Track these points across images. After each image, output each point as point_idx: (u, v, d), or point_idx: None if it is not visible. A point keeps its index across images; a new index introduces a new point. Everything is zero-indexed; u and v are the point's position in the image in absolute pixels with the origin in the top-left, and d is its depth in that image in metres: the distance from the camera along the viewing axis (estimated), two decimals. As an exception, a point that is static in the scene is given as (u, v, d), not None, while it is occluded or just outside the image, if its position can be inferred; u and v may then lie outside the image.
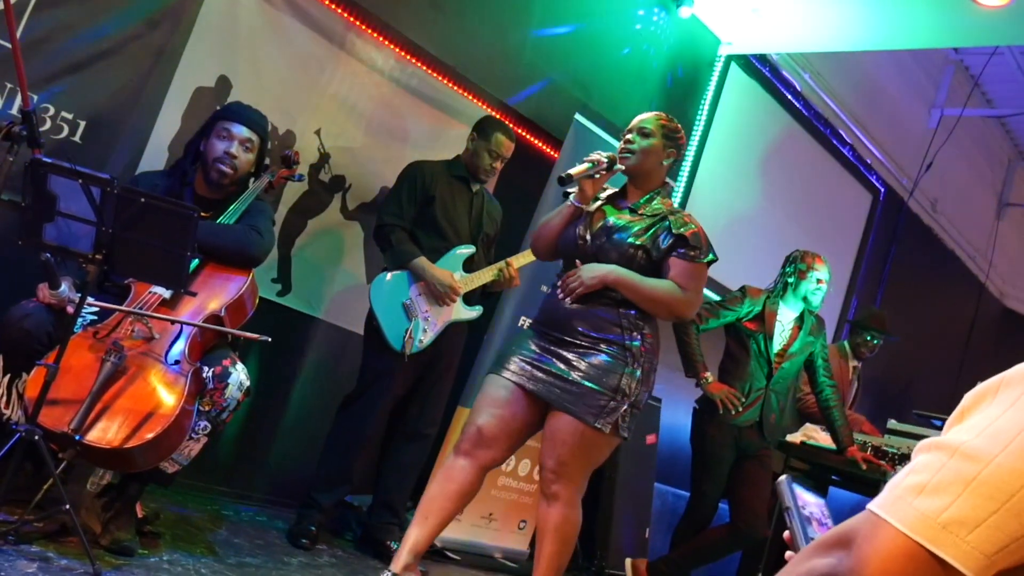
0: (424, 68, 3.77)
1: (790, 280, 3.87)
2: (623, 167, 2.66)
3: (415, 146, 3.76)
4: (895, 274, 7.03)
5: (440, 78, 3.84)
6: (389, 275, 3.28)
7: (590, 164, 2.61)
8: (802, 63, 5.73)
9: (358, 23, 3.54)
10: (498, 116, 3.76)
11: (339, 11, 3.48)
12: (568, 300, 2.57)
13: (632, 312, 2.56)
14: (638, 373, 2.54)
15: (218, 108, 2.83)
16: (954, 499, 0.76)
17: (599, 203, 2.70)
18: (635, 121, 2.73)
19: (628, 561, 3.97)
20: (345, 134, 3.61)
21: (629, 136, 2.70)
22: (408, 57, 3.72)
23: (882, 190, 6.74)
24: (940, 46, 6.05)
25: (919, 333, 7.51)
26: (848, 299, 6.56)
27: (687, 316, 2.73)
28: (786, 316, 3.89)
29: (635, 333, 2.55)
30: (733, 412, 3.75)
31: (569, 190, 2.68)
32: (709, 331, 3.93)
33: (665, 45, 4.80)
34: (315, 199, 3.58)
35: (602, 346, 2.54)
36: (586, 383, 2.49)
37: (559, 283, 2.64)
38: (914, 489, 0.78)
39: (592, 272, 2.56)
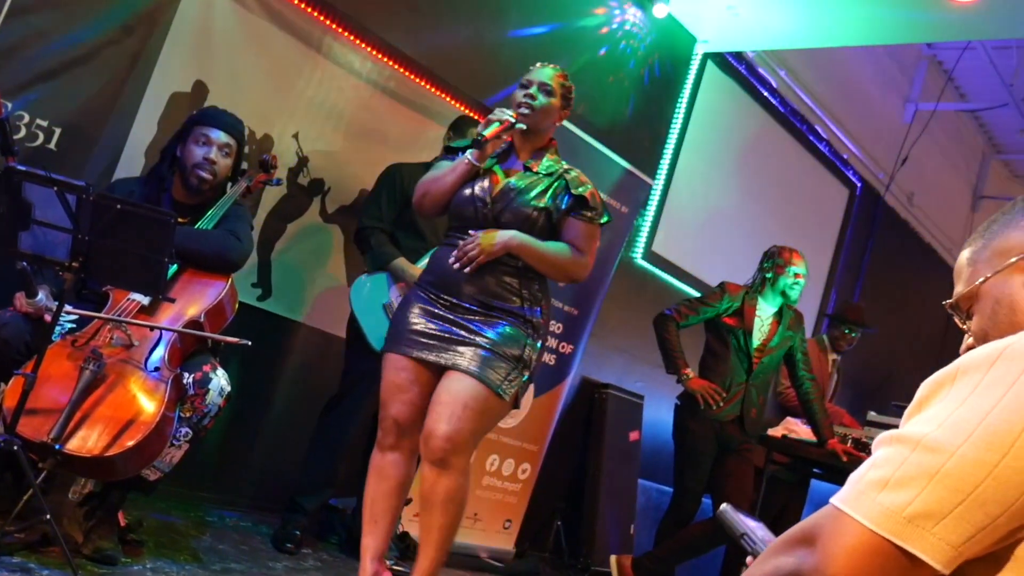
0: (401, 70, 3.77)
1: (768, 275, 3.91)
2: (524, 125, 2.53)
3: (393, 148, 3.76)
4: (873, 267, 7.10)
5: (418, 80, 3.84)
6: (369, 277, 3.28)
7: (497, 123, 2.48)
8: (778, 60, 5.78)
9: (335, 26, 3.54)
10: (476, 117, 3.77)
11: (315, 14, 3.48)
12: (468, 269, 2.43)
13: (535, 285, 2.49)
14: (539, 345, 2.48)
15: (194, 113, 2.82)
16: (919, 492, 0.76)
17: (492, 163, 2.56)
18: (536, 75, 2.58)
19: (613, 558, 3.99)
20: (323, 137, 3.61)
21: (532, 91, 2.54)
22: (385, 60, 3.72)
23: (859, 184, 6.81)
24: (913, 41, 6.12)
25: (897, 325, 7.59)
26: (827, 293, 6.62)
27: (582, 279, 2.64)
28: (765, 311, 3.92)
29: (535, 306, 2.48)
30: (714, 407, 3.78)
31: (471, 152, 2.52)
32: (689, 327, 3.96)
33: (642, 44, 4.82)
34: (294, 203, 3.58)
35: (503, 316, 2.43)
36: (490, 350, 2.39)
37: (457, 251, 2.47)
38: (877, 484, 0.78)
39: (494, 239, 2.44)
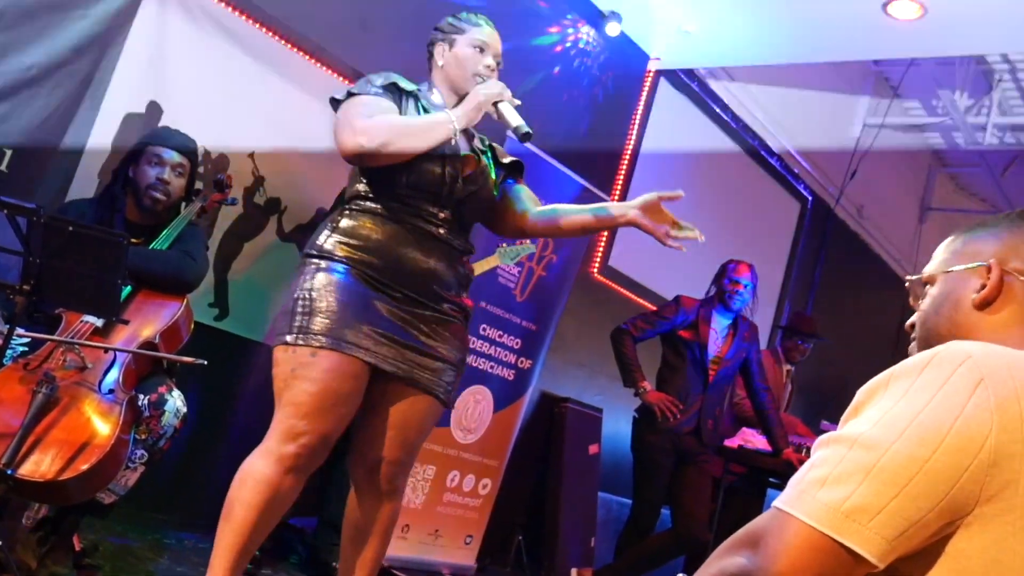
0: (357, 89, 3.79)
1: (720, 288, 3.99)
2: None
3: (351, 167, 3.77)
4: (825, 279, 7.25)
5: (374, 99, 3.86)
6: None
7: (510, 104, 2.19)
8: (729, 77, 5.90)
9: (290, 45, 3.56)
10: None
11: (270, 34, 3.49)
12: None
13: (469, 263, 2.29)
14: (467, 335, 2.27)
15: (145, 133, 2.81)
16: (855, 487, 0.79)
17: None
18: (494, 42, 2.30)
19: (574, 571, 4.03)
20: (280, 156, 3.61)
21: (493, 64, 2.28)
22: (341, 79, 3.74)
23: (809, 198, 6.95)
24: (858, 58, 6.28)
25: (850, 335, 7.74)
26: (780, 305, 6.74)
27: None
28: (720, 324, 4.00)
29: (466, 291, 2.24)
30: (671, 420, 3.84)
31: (453, 116, 2.13)
32: (646, 341, 4.02)
33: (595, 62, 4.90)
34: (251, 222, 3.57)
35: (449, 309, 2.15)
36: (443, 358, 2.12)
37: (434, 221, 2.12)
38: (816, 482, 0.82)
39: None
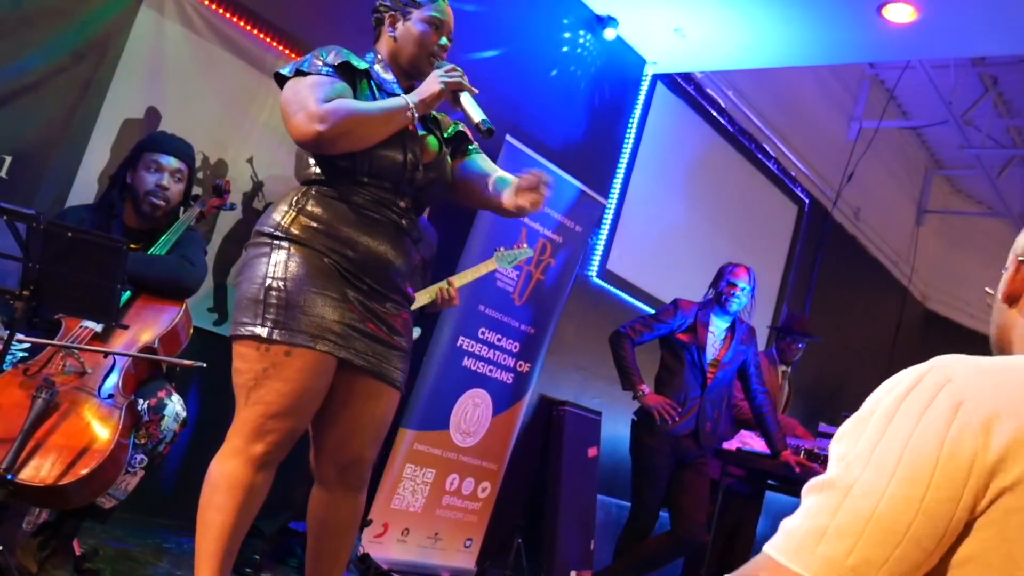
0: (355, 94, 3.81)
1: (718, 291, 4.01)
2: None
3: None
4: (822, 281, 7.27)
5: (371, 104, 3.88)
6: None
7: (469, 95, 2.11)
8: (725, 80, 5.92)
9: (288, 51, 3.57)
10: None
11: (268, 40, 3.51)
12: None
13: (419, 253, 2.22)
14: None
15: (142, 139, 2.82)
16: (856, 541, 0.77)
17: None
18: (450, 19, 2.22)
19: (573, 573, 4.03)
20: (278, 162, 3.63)
21: (447, 44, 2.20)
22: (339, 84, 3.76)
23: (807, 201, 6.97)
24: (854, 61, 6.30)
25: (847, 337, 7.76)
26: (778, 307, 6.75)
27: None
28: (718, 327, 4.01)
29: (413, 280, 2.21)
30: (670, 422, 3.85)
31: (412, 101, 2.04)
32: (644, 344, 4.03)
33: (592, 66, 4.92)
34: (249, 227, 3.56)
35: (401, 299, 2.11)
36: (400, 347, 2.09)
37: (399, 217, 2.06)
38: (815, 535, 0.79)
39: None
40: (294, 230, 1.99)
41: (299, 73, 2.03)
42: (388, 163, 2.03)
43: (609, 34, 4.85)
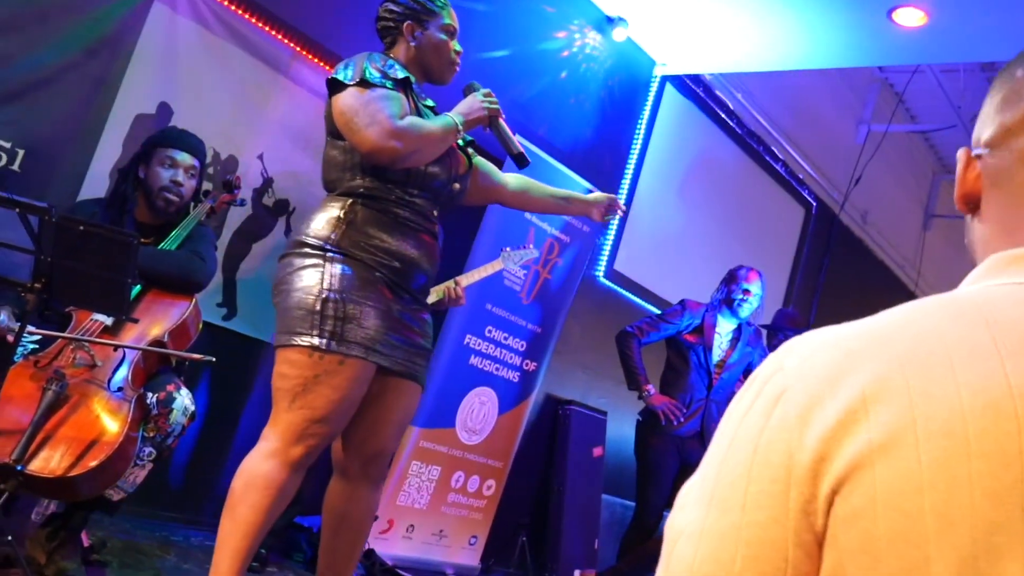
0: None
1: (726, 293, 4.01)
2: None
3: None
4: (829, 284, 7.26)
5: (381, 102, 3.89)
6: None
7: (504, 124, 2.28)
8: (734, 83, 5.92)
9: (298, 48, 3.59)
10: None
11: (279, 36, 3.52)
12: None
13: None
14: None
15: (154, 133, 2.83)
16: None
17: None
18: (457, 25, 2.35)
19: (577, 572, 4.04)
20: (288, 159, 3.64)
21: (460, 50, 2.33)
22: (349, 81, 3.77)
23: (814, 204, 6.97)
24: (863, 64, 6.29)
25: (854, 341, 7.74)
26: (790, 310, 6.75)
27: None
28: (724, 328, 4.01)
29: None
30: (675, 423, 3.86)
31: (459, 122, 2.18)
32: (651, 344, 4.04)
33: (601, 67, 4.92)
34: (259, 223, 3.60)
35: (424, 301, 2.24)
36: (426, 348, 2.22)
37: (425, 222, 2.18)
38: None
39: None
40: (344, 243, 2.06)
41: (364, 83, 2.08)
42: (433, 178, 2.16)
43: (619, 35, 4.86)
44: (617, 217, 2.46)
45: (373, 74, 2.10)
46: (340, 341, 1.98)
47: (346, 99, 2.08)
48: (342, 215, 2.10)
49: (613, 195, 2.46)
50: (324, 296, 2.02)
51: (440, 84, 2.30)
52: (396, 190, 2.12)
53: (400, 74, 2.17)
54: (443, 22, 2.27)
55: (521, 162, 2.21)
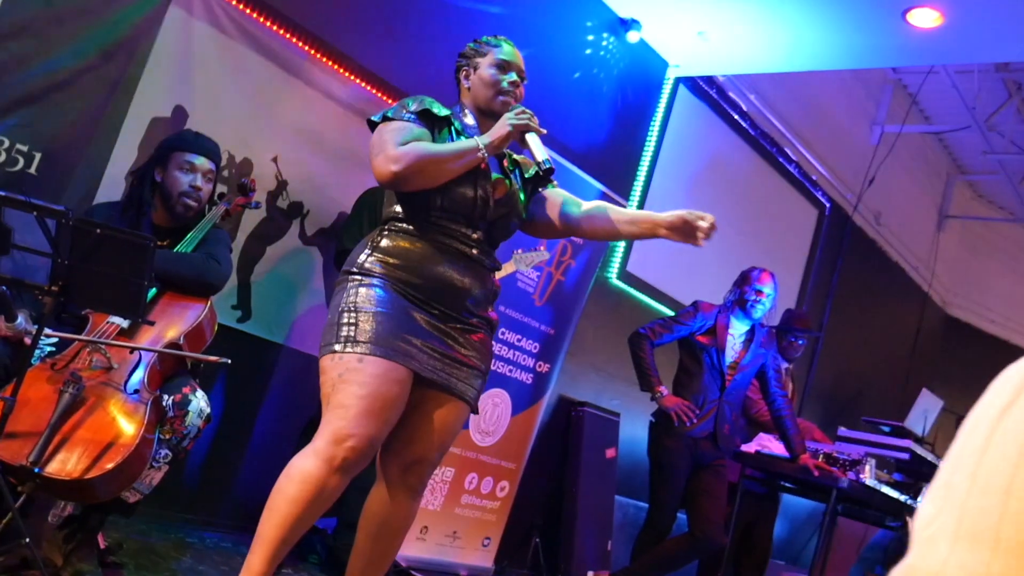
0: (380, 94, 3.83)
1: (739, 295, 4.00)
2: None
3: (371, 172, 3.80)
4: (842, 285, 7.23)
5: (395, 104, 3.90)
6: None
7: (536, 135, 2.27)
8: (748, 84, 5.90)
9: (313, 51, 3.59)
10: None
11: (294, 40, 3.53)
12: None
13: (496, 280, 2.36)
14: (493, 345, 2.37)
15: (170, 137, 2.84)
16: None
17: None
18: (515, 59, 2.39)
19: (590, 574, 4.04)
20: (302, 161, 3.65)
21: (518, 79, 2.38)
22: (363, 84, 3.78)
23: (827, 205, 6.94)
24: (877, 66, 6.27)
25: (867, 342, 7.71)
26: (796, 309, 6.73)
27: None
28: (737, 329, 4.00)
29: (492, 306, 2.34)
30: (688, 424, 3.85)
31: (482, 143, 2.21)
32: (663, 346, 4.03)
33: (615, 69, 4.92)
34: (274, 225, 3.61)
35: (477, 322, 2.26)
36: (474, 366, 2.23)
37: (468, 243, 2.22)
38: None
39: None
40: (367, 265, 2.18)
41: (385, 119, 2.24)
42: (460, 198, 2.20)
43: (632, 37, 4.85)
44: (705, 236, 2.23)
45: (395, 111, 2.25)
46: (354, 342, 2.07)
47: (372, 137, 2.25)
48: (371, 242, 2.23)
49: (682, 214, 2.24)
50: (341, 310, 2.14)
51: (497, 118, 2.32)
52: (423, 214, 2.21)
53: (433, 108, 2.29)
54: (495, 58, 2.36)
55: (545, 172, 2.28)
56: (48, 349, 2.44)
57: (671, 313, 4.65)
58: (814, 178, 6.75)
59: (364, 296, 2.13)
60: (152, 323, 2.49)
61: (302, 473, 2.01)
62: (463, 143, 2.21)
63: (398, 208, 2.25)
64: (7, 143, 2.82)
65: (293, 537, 2.02)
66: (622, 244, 5.20)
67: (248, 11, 3.39)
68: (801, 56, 4.87)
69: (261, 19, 3.43)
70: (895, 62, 5.73)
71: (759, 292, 3.94)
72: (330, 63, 3.66)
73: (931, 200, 8.40)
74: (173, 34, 3.18)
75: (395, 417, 2.11)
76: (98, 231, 2.16)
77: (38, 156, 2.90)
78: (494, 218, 2.26)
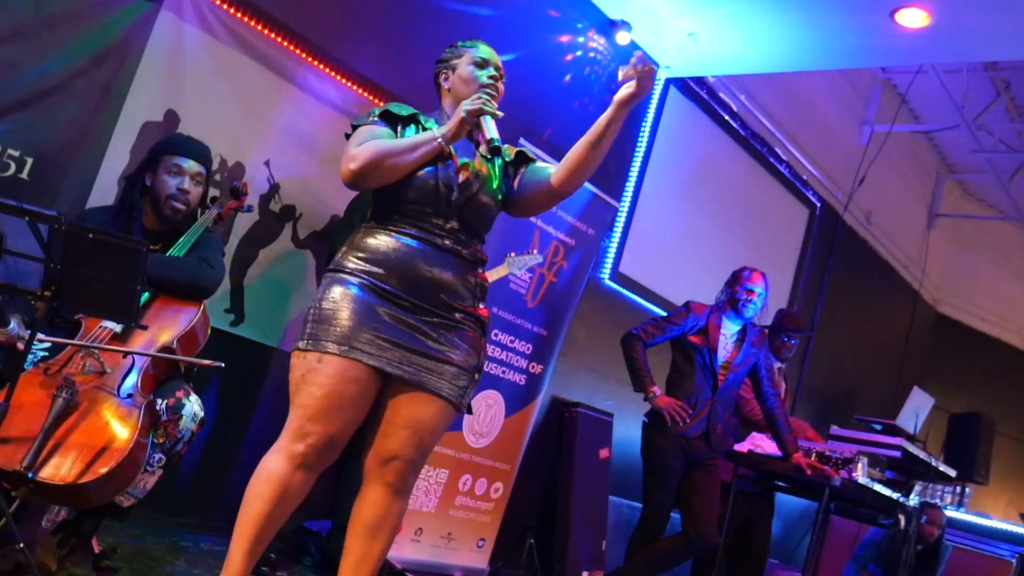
0: (371, 98, 3.84)
1: (730, 294, 4.02)
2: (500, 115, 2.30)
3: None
4: (834, 284, 7.26)
5: (386, 107, 3.91)
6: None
7: (492, 119, 2.24)
8: (738, 85, 5.92)
9: (305, 55, 3.60)
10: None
11: (285, 43, 3.54)
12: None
13: (482, 271, 2.33)
14: (486, 343, 2.34)
15: (160, 141, 2.85)
16: None
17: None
18: (492, 57, 2.40)
19: (585, 574, 4.04)
20: (294, 164, 3.66)
21: (497, 75, 2.38)
22: (355, 87, 3.79)
23: (818, 204, 6.97)
24: (867, 65, 6.31)
25: (858, 341, 7.75)
26: (787, 309, 6.75)
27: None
28: (729, 329, 4.02)
29: (481, 300, 2.30)
30: (681, 424, 3.86)
31: (438, 132, 2.23)
32: (656, 346, 4.04)
33: (606, 70, 4.93)
34: (266, 229, 3.61)
35: (461, 318, 2.23)
36: (454, 362, 2.20)
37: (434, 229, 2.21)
38: None
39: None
40: (343, 262, 2.22)
41: (354, 128, 2.29)
42: (424, 189, 2.21)
43: (622, 38, 4.87)
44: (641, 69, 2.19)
45: (360, 119, 2.31)
46: (316, 340, 2.12)
47: None
48: (350, 241, 2.28)
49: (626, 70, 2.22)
50: (311, 307, 2.19)
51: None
52: (392, 207, 2.24)
53: (394, 109, 2.33)
54: (473, 57, 2.39)
55: (490, 151, 2.22)
56: (41, 354, 2.44)
57: (663, 313, 4.67)
58: (804, 178, 6.78)
59: (333, 293, 2.17)
60: (145, 327, 2.49)
61: (268, 472, 2.09)
62: (420, 135, 2.24)
63: (372, 209, 2.32)
64: (-2, 148, 2.82)
65: (266, 533, 2.09)
66: (614, 246, 5.22)
67: (239, 15, 3.39)
68: (790, 56, 4.89)
69: (252, 23, 3.43)
70: (884, 62, 5.76)
71: (750, 292, 3.95)
72: (321, 66, 3.66)
73: (921, 199, 8.45)
74: (164, 38, 3.18)
75: (357, 415, 2.14)
76: (91, 236, 2.16)
77: (30, 161, 2.90)
78: (462, 203, 2.24)
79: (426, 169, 2.21)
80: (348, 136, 2.30)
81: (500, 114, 2.25)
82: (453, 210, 2.23)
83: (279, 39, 3.51)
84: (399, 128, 2.31)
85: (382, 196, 2.26)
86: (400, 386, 2.16)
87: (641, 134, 5.29)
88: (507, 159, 2.39)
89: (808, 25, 4.49)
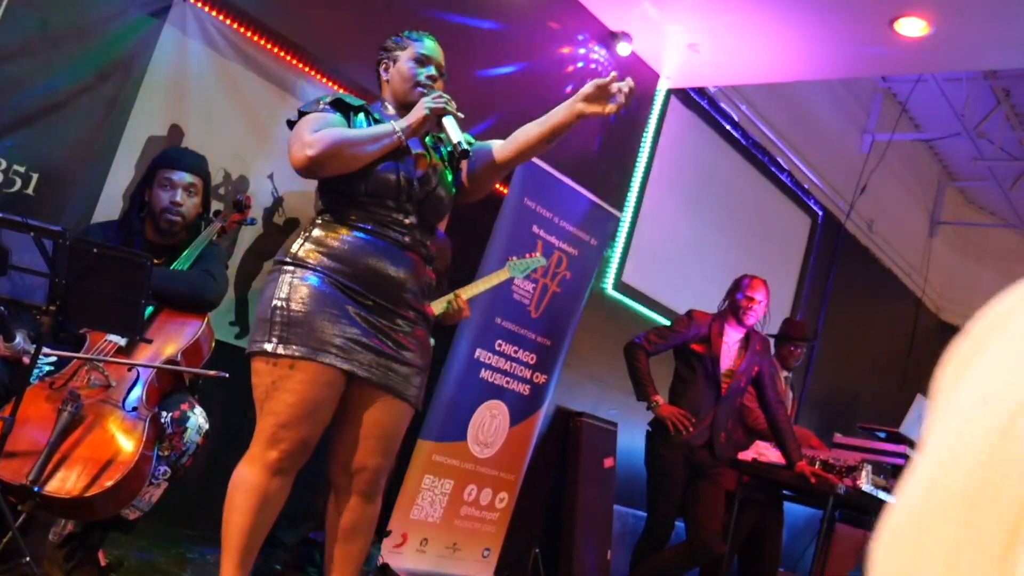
0: (372, 110, 3.86)
1: (732, 303, 4.02)
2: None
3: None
4: (836, 293, 7.26)
5: (388, 119, 3.93)
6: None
7: (454, 118, 2.23)
8: (739, 95, 5.94)
9: (307, 69, 3.63)
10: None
11: (288, 58, 3.56)
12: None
13: (431, 270, 2.31)
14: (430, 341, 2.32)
15: (157, 156, 2.88)
16: None
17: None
18: (435, 55, 2.38)
19: (590, 585, 4.03)
20: (298, 178, 3.65)
21: (436, 75, 2.36)
22: (356, 100, 3.81)
23: (820, 213, 6.98)
24: (866, 75, 6.32)
25: (861, 349, 7.74)
26: (792, 318, 6.75)
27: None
28: (731, 337, 4.02)
29: (428, 298, 2.30)
30: (684, 433, 3.86)
31: (398, 126, 2.20)
32: (659, 355, 4.05)
33: (606, 81, 4.95)
34: (270, 241, 3.63)
35: (415, 316, 2.22)
36: (412, 363, 2.19)
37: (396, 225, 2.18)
38: None
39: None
40: (301, 254, 2.16)
41: (301, 115, 2.24)
42: (384, 183, 2.17)
43: (623, 50, 4.89)
44: (624, 100, 2.14)
45: (308, 105, 2.27)
46: (286, 345, 2.07)
47: (290, 135, 2.24)
48: (304, 232, 2.22)
49: (594, 81, 2.18)
50: (274, 305, 2.12)
51: (412, 106, 2.29)
52: (348, 201, 2.19)
53: (346, 99, 2.31)
54: (415, 52, 2.35)
55: (460, 154, 2.22)
56: (46, 368, 2.46)
57: (666, 322, 4.67)
58: (806, 187, 6.79)
59: (298, 291, 2.11)
60: (150, 341, 2.50)
61: (244, 483, 2.10)
62: (379, 127, 2.20)
63: (327, 199, 2.24)
64: (4, 164, 2.84)
65: (253, 543, 2.09)
66: (617, 255, 5.23)
67: (241, 29, 3.42)
68: (791, 66, 4.91)
69: (254, 37, 3.46)
70: (884, 71, 5.77)
71: (751, 299, 3.96)
72: (324, 79, 3.69)
73: (923, 207, 8.45)
74: (168, 53, 3.21)
75: (327, 415, 2.13)
76: (95, 250, 2.18)
77: (35, 176, 2.92)
78: (422, 197, 2.22)
79: (385, 162, 2.17)
80: (292, 122, 2.25)
81: (462, 115, 2.24)
82: (413, 204, 2.21)
83: (282, 53, 3.54)
84: (350, 117, 2.27)
85: (334, 187, 2.20)
86: (366, 389, 2.14)
87: (643, 144, 5.30)
88: (458, 151, 2.28)
89: (808, 35, 4.51)
